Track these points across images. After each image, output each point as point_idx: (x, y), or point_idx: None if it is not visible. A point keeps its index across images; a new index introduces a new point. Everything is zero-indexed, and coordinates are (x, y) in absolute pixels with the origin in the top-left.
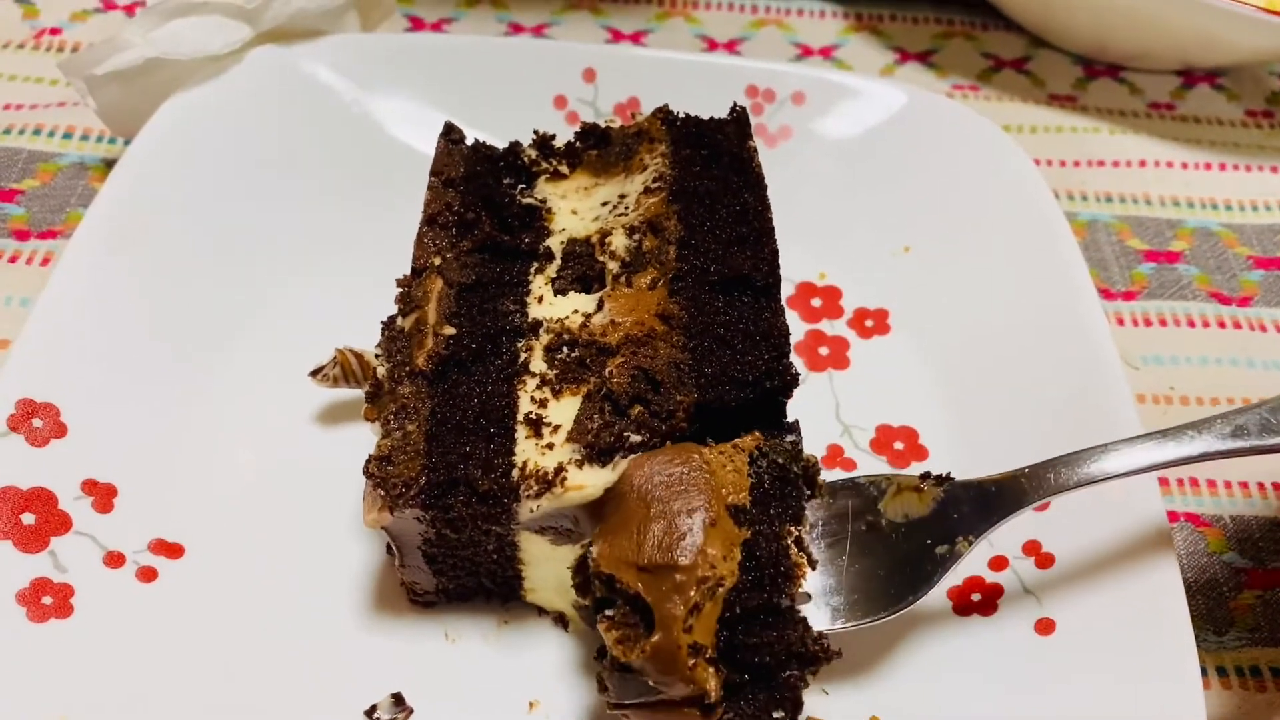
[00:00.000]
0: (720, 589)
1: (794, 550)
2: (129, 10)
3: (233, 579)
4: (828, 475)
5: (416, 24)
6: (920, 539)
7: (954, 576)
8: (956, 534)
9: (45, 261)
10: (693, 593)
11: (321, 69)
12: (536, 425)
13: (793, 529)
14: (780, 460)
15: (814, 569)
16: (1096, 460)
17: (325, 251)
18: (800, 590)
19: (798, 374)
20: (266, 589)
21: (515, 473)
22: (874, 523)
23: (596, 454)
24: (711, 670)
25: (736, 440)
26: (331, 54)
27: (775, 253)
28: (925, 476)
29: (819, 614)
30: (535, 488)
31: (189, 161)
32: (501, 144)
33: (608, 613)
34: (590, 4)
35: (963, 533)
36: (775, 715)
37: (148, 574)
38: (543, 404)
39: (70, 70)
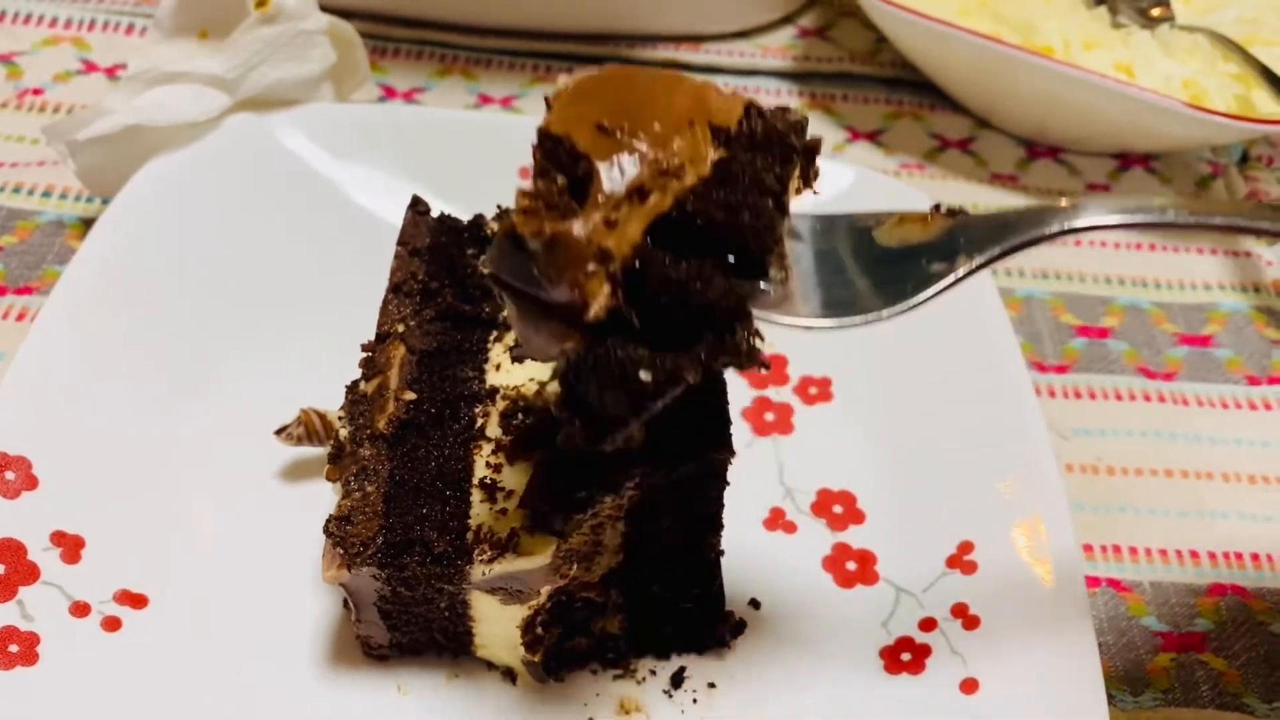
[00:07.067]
0: (675, 182)
1: (772, 204)
2: (110, 72)
3: (194, 629)
4: (769, 535)
5: (389, 93)
6: (915, 260)
7: (885, 635)
8: (958, 254)
9: (21, 317)
10: (644, 171)
11: (296, 137)
12: (491, 490)
13: (774, 183)
14: (779, 125)
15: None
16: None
17: (293, 313)
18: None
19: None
20: (226, 639)
21: (469, 535)
22: (861, 247)
23: (546, 521)
24: (607, 288)
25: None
26: (306, 122)
27: None
28: (936, 208)
29: (768, 304)
30: (489, 553)
31: (165, 223)
32: (468, 209)
33: (537, 183)
34: (556, 77)
35: (967, 252)
36: (641, 374)
37: (112, 623)
38: (497, 469)
39: (53, 134)
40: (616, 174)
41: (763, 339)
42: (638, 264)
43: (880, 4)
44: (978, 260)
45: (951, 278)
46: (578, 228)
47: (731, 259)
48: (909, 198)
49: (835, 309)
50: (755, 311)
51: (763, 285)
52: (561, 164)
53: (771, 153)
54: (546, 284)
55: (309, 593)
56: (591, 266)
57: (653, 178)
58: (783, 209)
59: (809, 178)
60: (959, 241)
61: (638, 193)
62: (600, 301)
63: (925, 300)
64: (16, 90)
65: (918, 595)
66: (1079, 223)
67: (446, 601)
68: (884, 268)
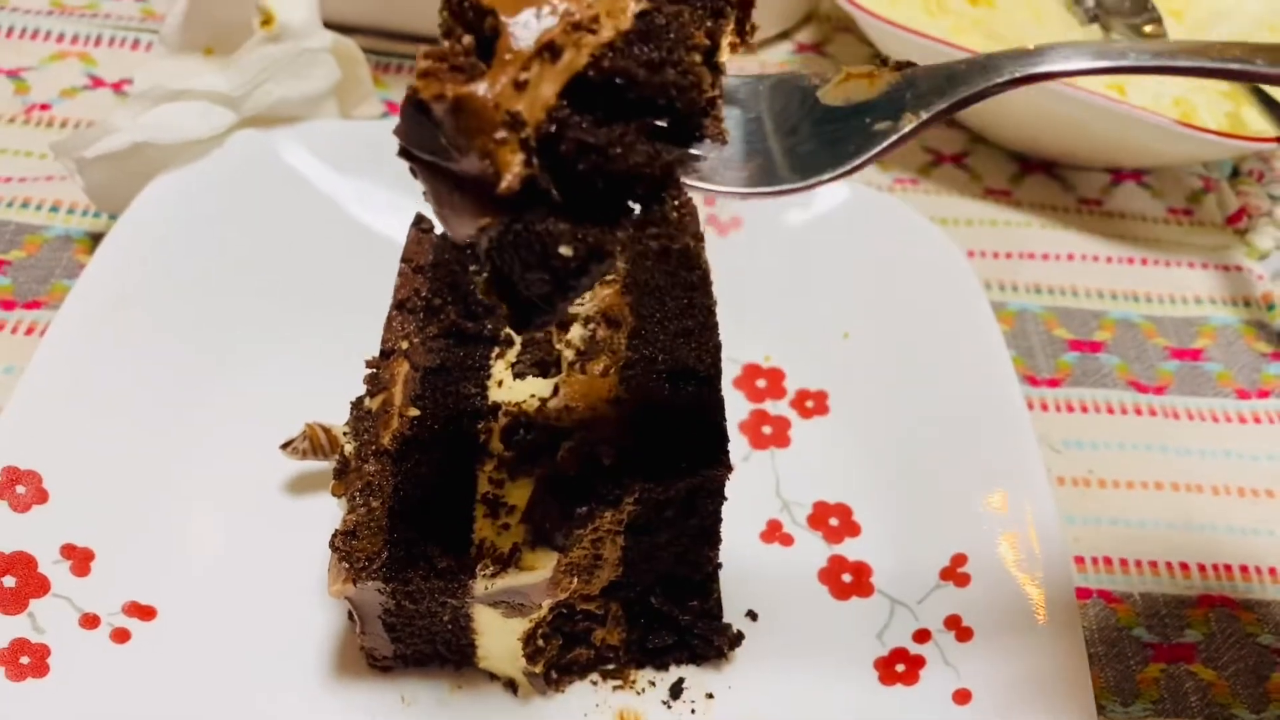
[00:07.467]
0: (591, 37)
1: (699, 58)
2: (116, 88)
3: (202, 641)
4: (766, 547)
5: (393, 108)
6: (859, 119)
7: (879, 646)
8: (904, 110)
9: (30, 331)
10: (556, 25)
11: (300, 153)
12: (493, 505)
13: (704, 39)
14: None
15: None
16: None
17: (298, 329)
18: (692, 149)
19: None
20: (233, 651)
21: (472, 550)
22: (804, 109)
23: (547, 536)
24: (520, 156)
25: None
26: (310, 139)
27: (718, 345)
28: (883, 62)
29: (705, 173)
30: (491, 567)
31: (171, 239)
32: None
33: (442, 43)
34: None
35: (913, 108)
36: (561, 249)
37: (121, 635)
38: (499, 485)
39: (61, 152)
40: (524, 29)
41: (694, 210)
42: (553, 129)
43: (876, 20)
44: (924, 116)
45: (895, 135)
46: (483, 89)
47: (663, 125)
48: (901, 214)
49: (773, 175)
50: (689, 180)
51: (695, 151)
52: (468, 22)
53: (701, 3)
54: (456, 154)
55: (314, 605)
56: (502, 134)
57: (565, 32)
58: (715, 67)
59: (744, 33)
60: (905, 97)
61: (549, 49)
62: (514, 171)
63: (866, 162)
64: (24, 105)
65: (912, 607)
66: (1034, 69)
67: (450, 614)
68: (827, 129)
